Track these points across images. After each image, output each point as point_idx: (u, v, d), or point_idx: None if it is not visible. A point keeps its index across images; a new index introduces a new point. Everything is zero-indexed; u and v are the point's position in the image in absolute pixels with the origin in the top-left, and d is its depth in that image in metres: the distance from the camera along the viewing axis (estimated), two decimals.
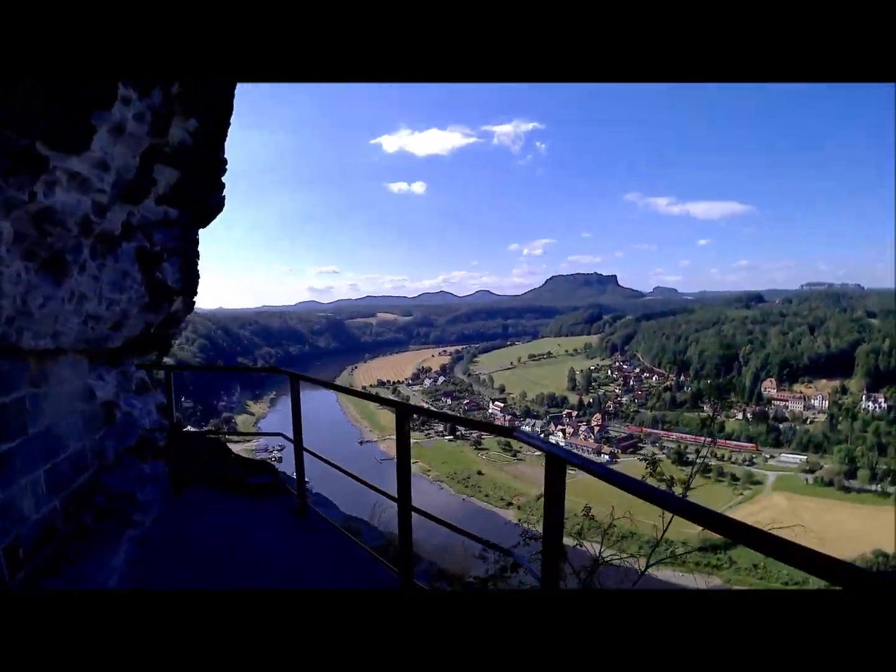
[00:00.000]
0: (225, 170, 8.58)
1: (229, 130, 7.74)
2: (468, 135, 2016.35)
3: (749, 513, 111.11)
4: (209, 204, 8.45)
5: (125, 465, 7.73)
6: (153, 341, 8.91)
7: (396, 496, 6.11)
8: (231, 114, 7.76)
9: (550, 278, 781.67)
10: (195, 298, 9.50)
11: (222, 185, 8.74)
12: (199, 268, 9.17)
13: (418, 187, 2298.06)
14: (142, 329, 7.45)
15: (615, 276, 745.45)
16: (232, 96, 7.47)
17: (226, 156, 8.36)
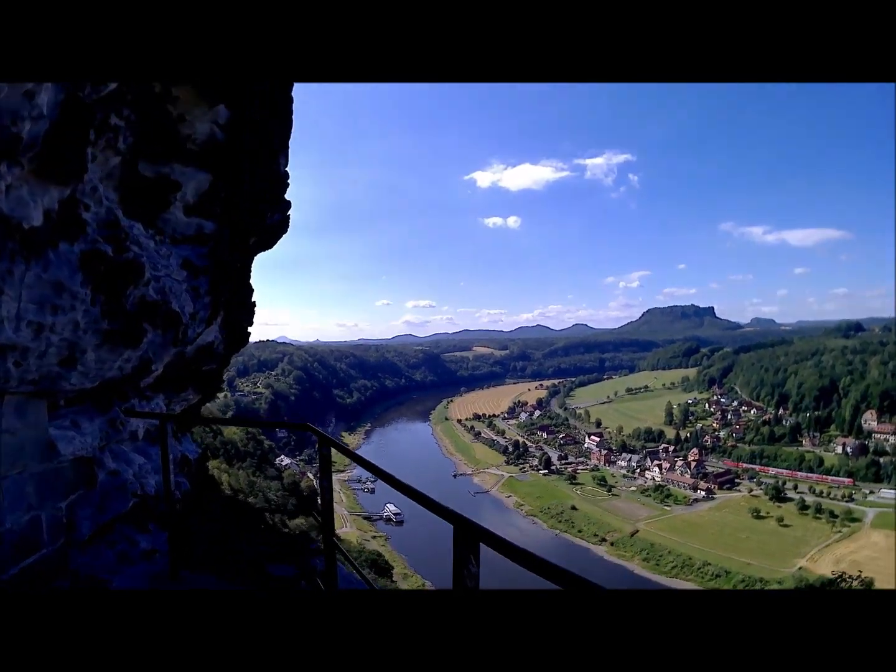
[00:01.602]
0: (286, 185, 8.26)
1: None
2: (560, 168, 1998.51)
3: (849, 551, 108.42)
4: (265, 223, 7.99)
5: (111, 538, 6.32)
6: (186, 379, 8.11)
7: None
8: (289, 116, 7.56)
9: (647, 311, 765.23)
10: (249, 329, 8.96)
11: (285, 203, 8.43)
12: (251, 296, 8.85)
13: (513, 222, 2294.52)
14: (133, 365, 5.86)
15: (712, 308, 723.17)
16: (285, 90, 7.25)
17: (287, 169, 8.21)
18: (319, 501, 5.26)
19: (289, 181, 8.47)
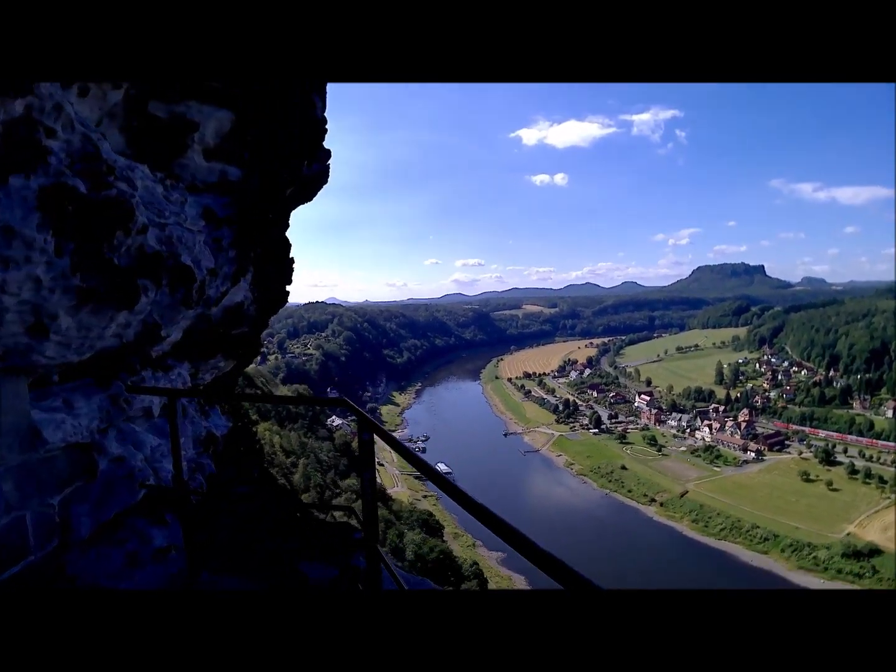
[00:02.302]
0: (324, 131, 7.68)
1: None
2: (607, 125, 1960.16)
3: None
4: (301, 173, 7.40)
5: (120, 536, 5.38)
6: (213, 345, 7.29)
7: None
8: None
9: (697, 269, 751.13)
10: (287, 288, 8.36)
11: (323, 152, 7.83)
12: (288, 252, 8.13)
13: (560, 179, 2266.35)
14: (135, 331, 5.03)
15: (762, 267, 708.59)
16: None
17: (326, 115, 7.57)
18: (360, 500, 4.31)
19: (327, 127, 7.77)
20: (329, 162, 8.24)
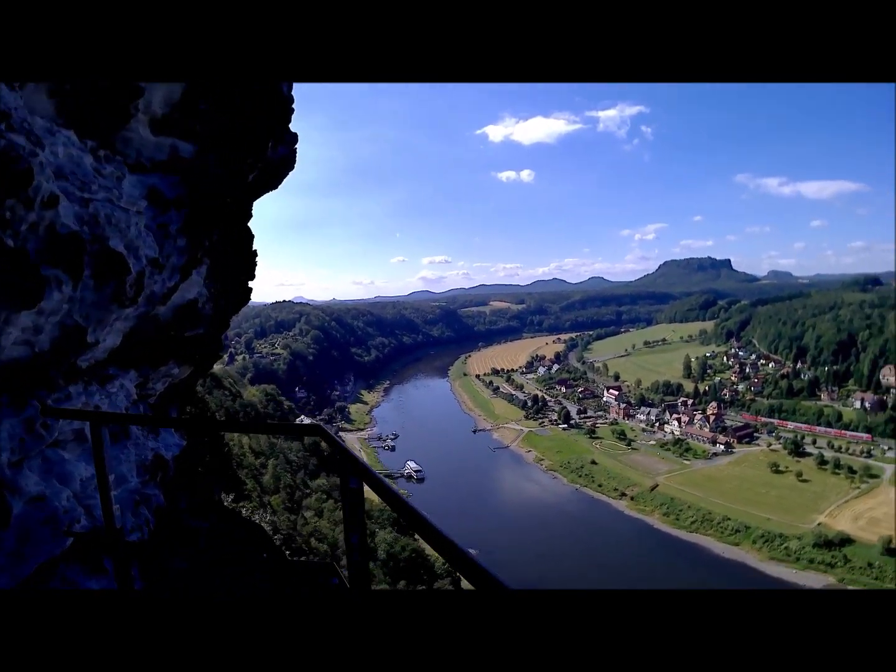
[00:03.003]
0: (291, 110, 7.14)
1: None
2: (573, 121, 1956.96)
3: (867, 507, 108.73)
4: (266, 155, 6.82)
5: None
6: (164, 350, 6.41)
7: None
8: None
9: (664, 263, 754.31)
10: (250, 284, 7.63)
11: (290, 135, 7.28)
12: (251, 243, 7.34)
13: (526, 175, 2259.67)
14: (51, 337, 4.12)
15: (729, 261, 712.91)
16: None
17: (293, 94, 7.03)
18: (346, 562, 3.62)
19: (293, 107, 7.09)
20: (296, 146, 7.57)
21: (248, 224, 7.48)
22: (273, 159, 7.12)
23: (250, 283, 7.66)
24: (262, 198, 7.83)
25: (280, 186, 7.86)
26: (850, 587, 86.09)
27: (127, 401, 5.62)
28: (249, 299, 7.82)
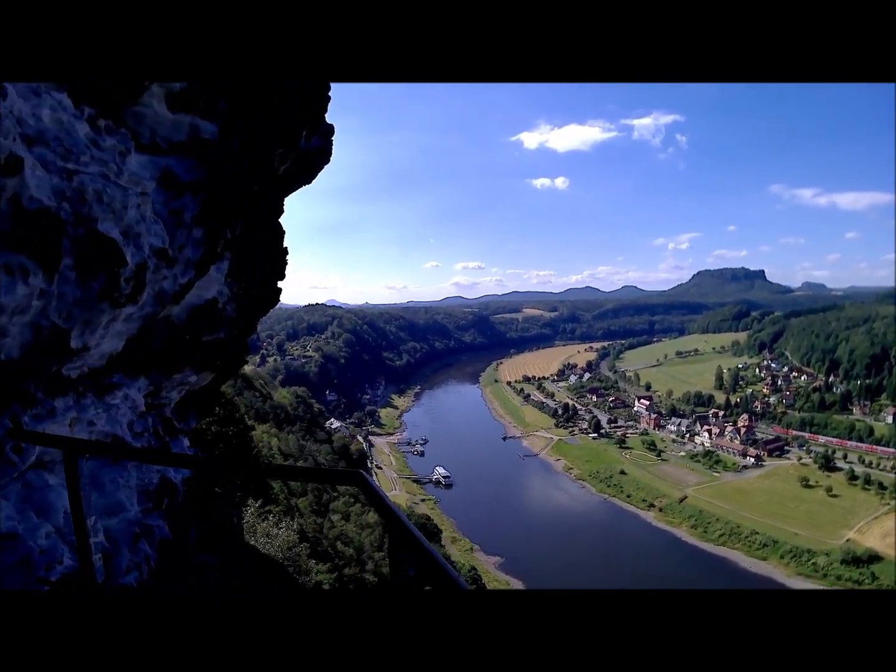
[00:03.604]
0: (327, 98, 6.68)
1: None
2: (608, 129, 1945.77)
3: None
4: (299, 145, 6.28)
5: None
6: (177, 356, 5.62)
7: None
8: None
9: (697, 273, 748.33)
10: (279, 284, 7.10)
11: (325, 126, 6.76)
12: (281, 240, 6.80)
13: (561, 182, 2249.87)
14: (22, 342, 3.47)
15: (763, 271, 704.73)
16: None
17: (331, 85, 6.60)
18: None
19: (330, 95, 6.66)
20: (332, 138, 7.11)
21: (280, 220, 6.92)
22: (306, 150, 6.58)
23: (279, 284, 7.07)
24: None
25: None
26: (849, 588, 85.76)
27: (132, 413, 4.90)
28: (278, 301, 7.14)
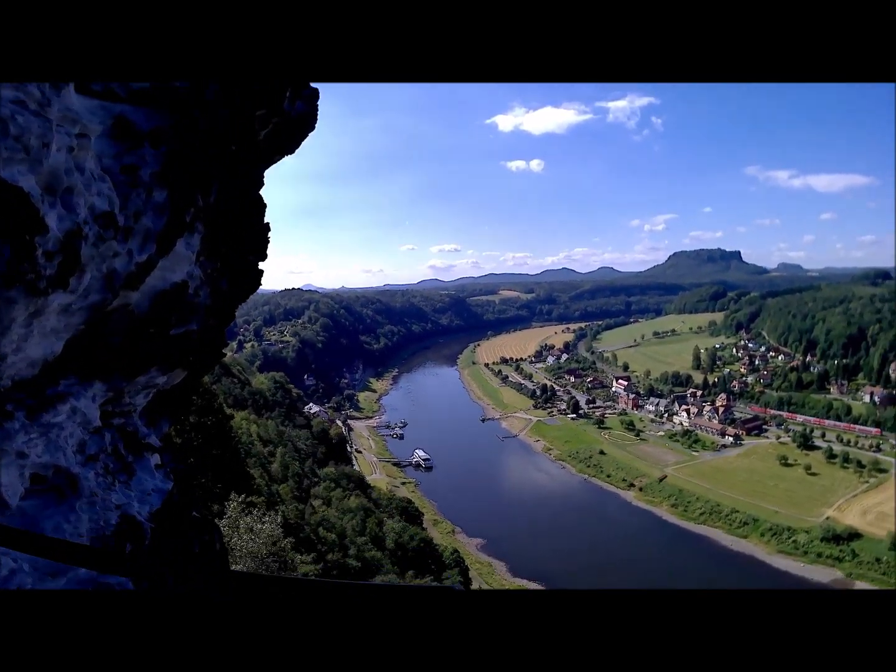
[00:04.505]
0: None
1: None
2: (583, 111, 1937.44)
3: (876, 501, 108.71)
4: (282, 106, 5.70)
5: None
6: (141, 354, 4.66)
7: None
8: None
9: (673, 254, 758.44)
10: (260, 266, 6.38)
11: (310, 91, 6.30)
12: (262, 215, 6.13)
13: (536, 165, 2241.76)
14: None
15: (739, 252, 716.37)
16: None
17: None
18: None
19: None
20: (317, 104, 6.41)
21: (260, 193, 6.02)
22: (290, 115, 5.86)
23: (260, 265, 6.15)
24: (270, 182, 6.50)
25: (289, 172, 6.40)
26: (849, 587, 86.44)
27: (83, 431, 3.82)
28: (260, 285, 6.37)
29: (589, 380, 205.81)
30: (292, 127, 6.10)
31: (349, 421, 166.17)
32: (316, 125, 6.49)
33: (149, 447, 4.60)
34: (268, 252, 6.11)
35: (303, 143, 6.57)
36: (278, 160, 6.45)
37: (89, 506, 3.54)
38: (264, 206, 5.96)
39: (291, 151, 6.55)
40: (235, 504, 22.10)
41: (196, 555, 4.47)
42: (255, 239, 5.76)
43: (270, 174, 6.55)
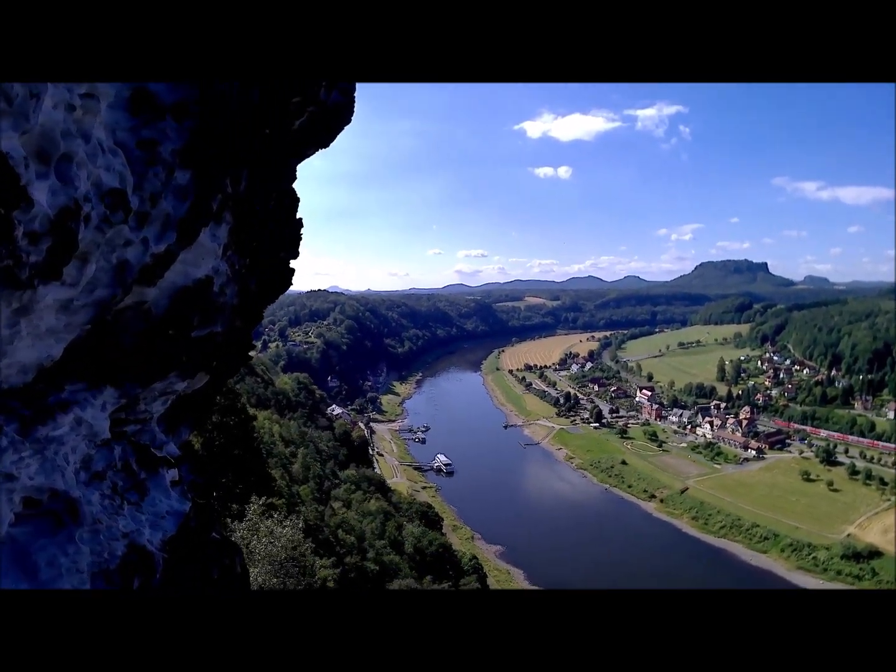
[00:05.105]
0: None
1: None
2: (611, 119, 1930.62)
3: None
4: (317, 96, 5.23)
5: None
6: (158, 358, 4.15)
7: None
8: None
9: (700, 265, 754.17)
10: (291, 264, 6.00)
11: (347, 82, 5.73)
12: (294, 210, 5.77)
13: (564, 172, 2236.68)
14: None
15: (765, 264, 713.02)
16: None
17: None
18: None
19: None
20: (354, 95, 5.93)
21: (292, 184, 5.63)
22: (325, 104, 5.44)
23: (292, 264, 5.76)
24: (298, 182, 6.11)
25: (318, 173, 6.06)
26: (849, 587, 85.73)
27: (89, 445, 3.37)
28: (291, 284, 5.94)
29: (613, 389, 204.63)
30: (328, 118, 5.65)
31: (371, 424, 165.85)
32: (352, 119, 6.14)
33: (164, 462, 4.09)
34: (300, 249, 5.73)
35: (338, 136, 6.17)
36: (312, 153, 6.09)
37: (91, 535, 3.10)
38: (297, 200, 5.54)
39: (326, 145, 6.17)
40: (256, 507, 21.89)
41: (214, 580, 4.02)
42: (288, 235, 5.33)
43: (298, 174, 6.25)
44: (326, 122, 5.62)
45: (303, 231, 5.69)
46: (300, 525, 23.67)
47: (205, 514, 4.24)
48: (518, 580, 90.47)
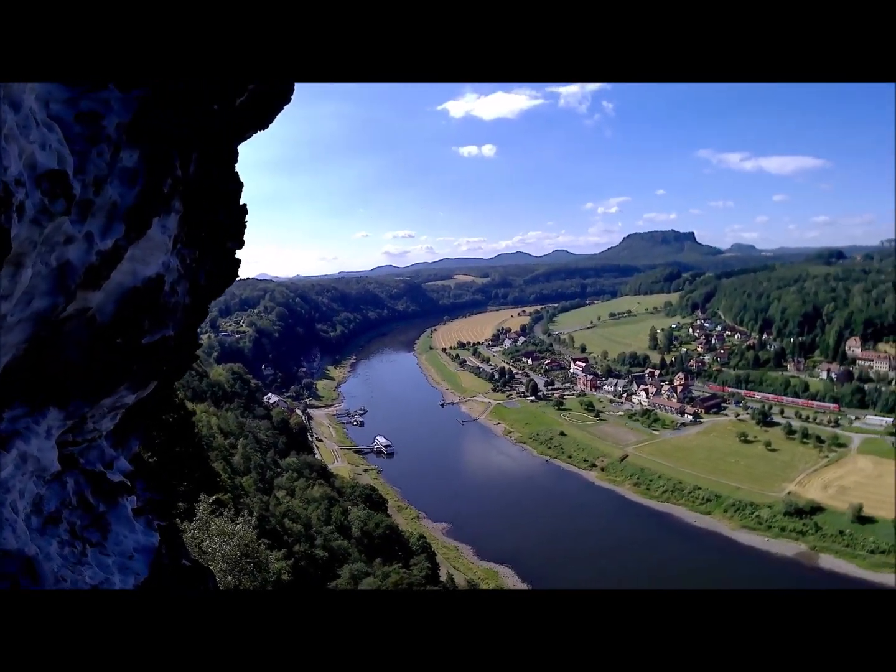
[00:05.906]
0: None
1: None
2: (534, 97, 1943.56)
3: (836, 476, 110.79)
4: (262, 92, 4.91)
5: None
6: (104, 370, 3.61)
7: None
8: None
9: (627, 236, 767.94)
10: (237, 253, 5.40)
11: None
12: (238, 194, 5.24)
13: (488, 150, 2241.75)
14: None
15: (692, 234, 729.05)
16: None
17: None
18: None
19: None
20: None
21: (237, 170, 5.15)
22: (265, 84, 5.07)
23: (238, 254, 5.19)
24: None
25: (242, 161, 5.67)
26: (815, 560, 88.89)
27: (38, 484, 2.93)
28: (238, 275, 5.49)
29: (546, 362, 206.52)
30: (267, 98, 5.33)
31: (309, 410, 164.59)
32: (291, 98, 5.77)
33: (122, 488, 3.60)
34: (244, 237, 5.27)
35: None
36: (251, 135, 5.71)
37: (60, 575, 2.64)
38: (241, 184, 5.07)
39: (264, 126, 5.74)
40: (205, 505, 21.33)
41: None
42: (234, 222, 4.85)
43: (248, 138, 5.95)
44: (266, 103, 5.23)
45: (247, 218, 5.27)
46: (253, 522, 23.22)
47: (173, 540, 3.78)
48: (467, 556, 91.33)
